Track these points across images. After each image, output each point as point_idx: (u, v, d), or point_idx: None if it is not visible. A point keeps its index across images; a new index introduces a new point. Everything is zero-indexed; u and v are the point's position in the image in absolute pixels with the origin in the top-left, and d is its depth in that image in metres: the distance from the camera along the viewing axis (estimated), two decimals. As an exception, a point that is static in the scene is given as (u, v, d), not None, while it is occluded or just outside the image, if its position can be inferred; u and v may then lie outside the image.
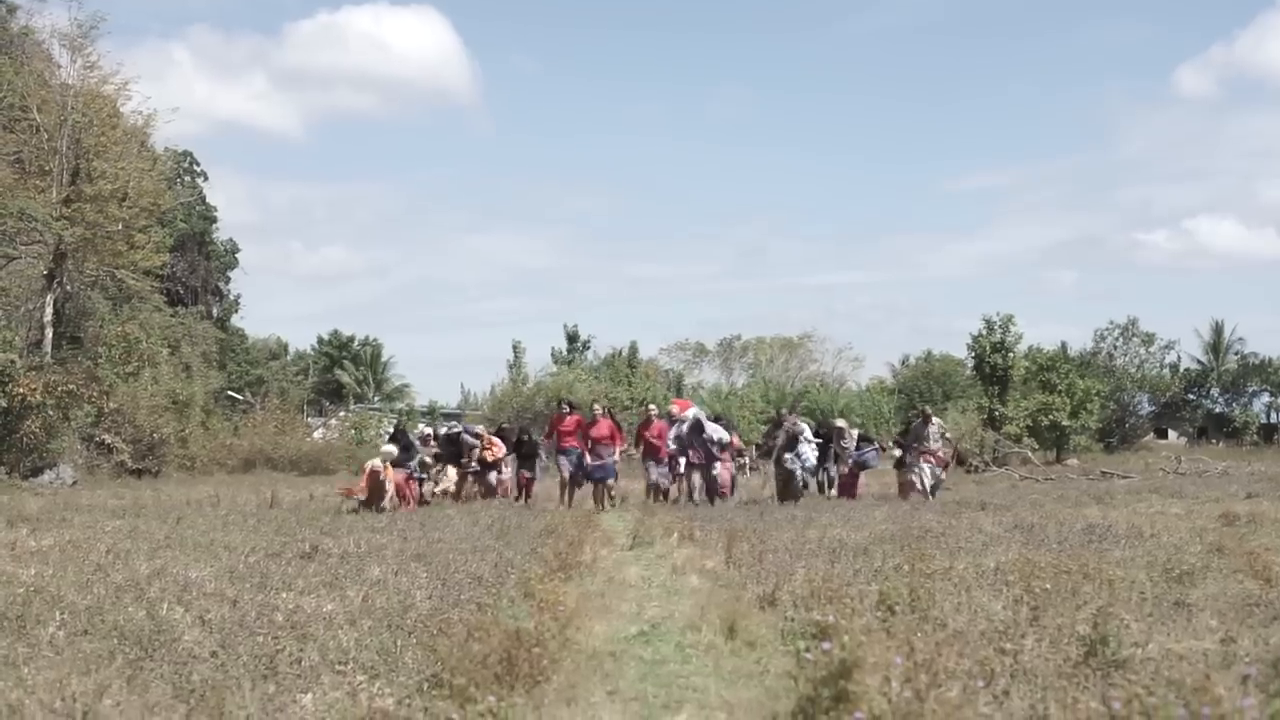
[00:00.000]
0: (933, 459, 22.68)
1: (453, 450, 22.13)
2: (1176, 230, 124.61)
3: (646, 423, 21.78)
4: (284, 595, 8.81)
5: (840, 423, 25.15)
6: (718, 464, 21.15)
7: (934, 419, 23.46)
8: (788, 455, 21.74)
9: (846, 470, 23.47)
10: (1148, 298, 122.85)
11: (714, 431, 21.06)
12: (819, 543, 12.22)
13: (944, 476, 23.60)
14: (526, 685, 5.76)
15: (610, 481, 20.73)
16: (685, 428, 20.97)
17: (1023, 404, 46.77)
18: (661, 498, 21.17)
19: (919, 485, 22.34)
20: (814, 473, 23.07)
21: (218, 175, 57.51)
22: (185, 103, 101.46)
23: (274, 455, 42.08)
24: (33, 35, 36.67)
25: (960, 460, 28.21)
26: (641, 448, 21.93)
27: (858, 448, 23.82)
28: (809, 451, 22.21)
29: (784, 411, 24.48)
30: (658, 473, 21.23)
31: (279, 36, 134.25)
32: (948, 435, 24.58)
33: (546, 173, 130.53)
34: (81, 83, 35.70)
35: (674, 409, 22.46)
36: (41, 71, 35.81)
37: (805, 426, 23.26)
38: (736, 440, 23.74)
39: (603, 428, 20.43)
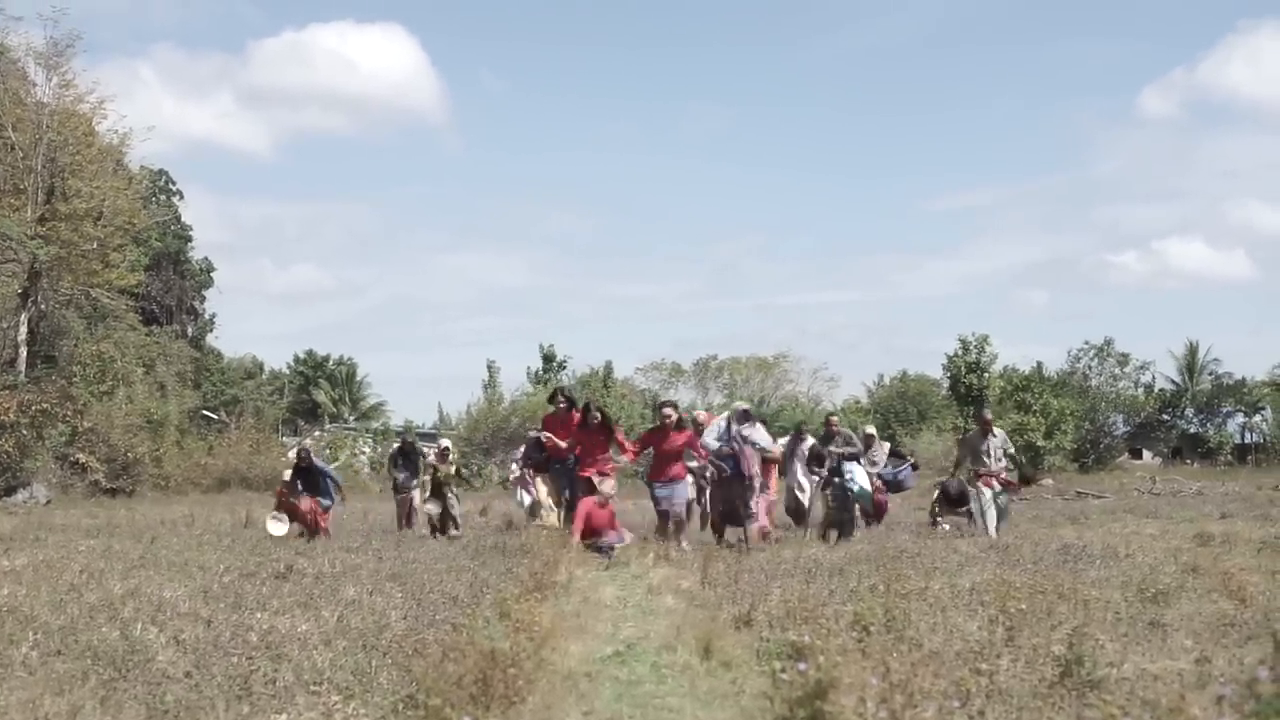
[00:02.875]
0: (994, 482, 17.42)
1: (543, 457, 17.83)
2: (1146, 251, 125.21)
3: (660, 431, 15.89)
4: (258, 615, 8.78)
5: (870, 430, 20.11)
6: (755, 488, 15.75)
7: (995, 429, 18.22)
8: (835, 480, 17.05)
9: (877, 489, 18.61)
10: (1119, 318, 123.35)
11: (758, 436, 16.05)
12: (794, 563, 12.22)
13: (1007, 504, 18.14)
14: (502, 706, 5.75)
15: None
16: (724, 421, 16.04)
17: (998, 424, 46.87)
18: (676, 530, 15.65)
19: (979, 517, 17.37)
20: (865, 498, 17.60)
21: (188, 195, 57.71)
22: (152, 122, 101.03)
23: (249, 475, 41.96)
24: (7, 53, 36.57)
25: (1025, 481, 20.99)
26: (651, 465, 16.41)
27: (888, 464, 19.61)
28: (859, 472, 17.21)
29: (834, 420, 18.77)
30: (673, 497, 15.67)
31: (244, 55, 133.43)
32: (1011, 451, 18.61)
33: (519, 191, 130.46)
34: (57, 101, 35.67)
35: (700, 416, 18.18)
36: (16, 90, 35.73)
37: (858, 441, 18.39)
38: (777, 450, 17.58)
39: (601, 435, 16.08)
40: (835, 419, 18.98)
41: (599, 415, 16.26)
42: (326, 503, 18.65)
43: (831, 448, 17.46)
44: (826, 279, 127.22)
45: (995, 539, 15.89)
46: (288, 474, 19.14)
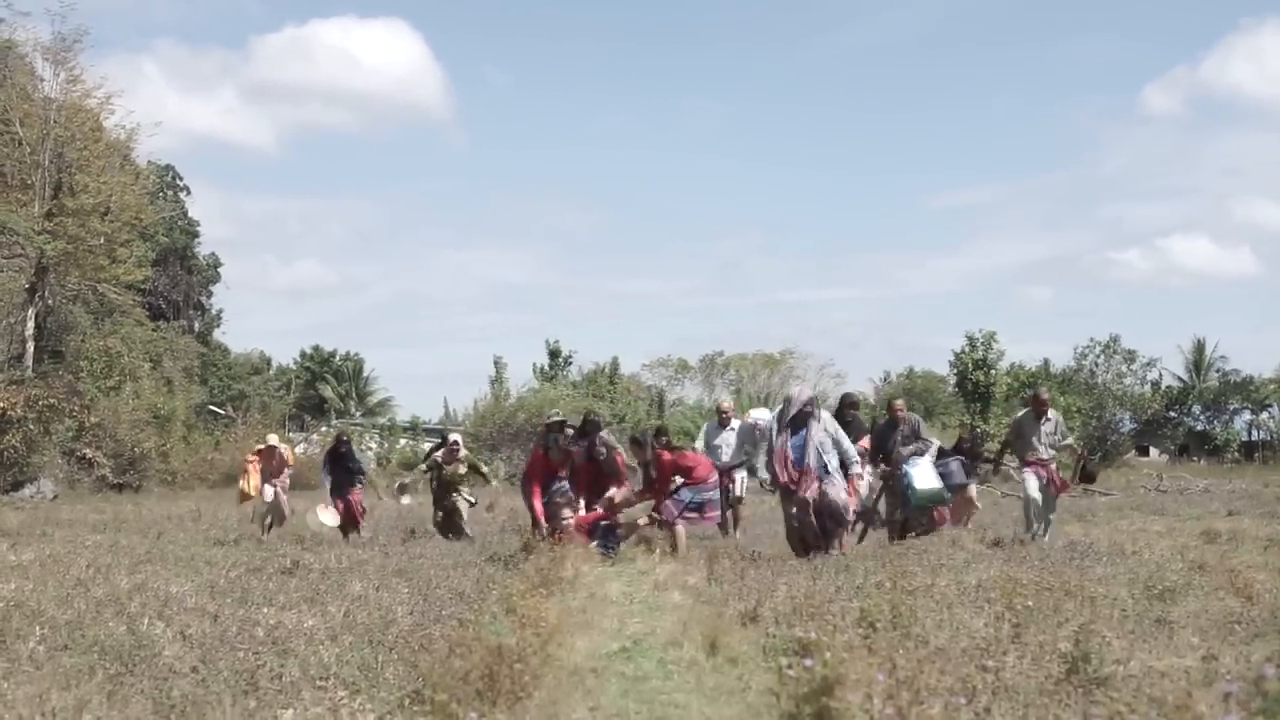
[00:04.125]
0: (1044, 471, 14.67)
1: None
2: (1150, 249, 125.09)
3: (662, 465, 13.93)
4: (265, 610, 8.79)
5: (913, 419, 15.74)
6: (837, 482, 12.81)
7: (1051, 410, 14.99)
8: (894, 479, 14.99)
9: None
10: (1123, 316, 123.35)
11: (831, 431, 12.99)
12: (801, 560, 12.21)
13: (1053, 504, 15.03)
14: (508, 701, 5.74)
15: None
16: (774, 418, 13.25)
17: (1005, 421, 46.77)
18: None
19: (1024, 510, 14.86)
20: (934, 499, 15.08)
21: (191, 190, 57.39)
22: (155, 118, 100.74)
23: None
24: (15, 49, 36.63)
25: (1088, 477, 16.08)
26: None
27: (939, 457, 15.85)
28: (919, 470, 14.81)
29: (899, 405, 15.89)
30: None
31: (246, 50, 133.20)
32: (1069, 440, 15.54)
33: (523, 187, 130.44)
34: (64, 96, 35.74)
35: (724, 405, 16.59)
36: (24, 85, 35.79)
37: (929, 434, 15.79)
38: (864, 441, 15.12)
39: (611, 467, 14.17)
40: (900, 404, 16.02)
41: (604, 451, 14.13)
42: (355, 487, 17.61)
43: (896, 435, 15.04)
44: (829, 276, 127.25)
45: (1040, 539, 14.14)
46: (283, 448, 18.74)
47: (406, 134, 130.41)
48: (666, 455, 13.95)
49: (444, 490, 17.21)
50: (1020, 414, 15.55)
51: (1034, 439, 14.74)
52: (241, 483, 18.79)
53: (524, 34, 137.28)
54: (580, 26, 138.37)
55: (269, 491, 18.42)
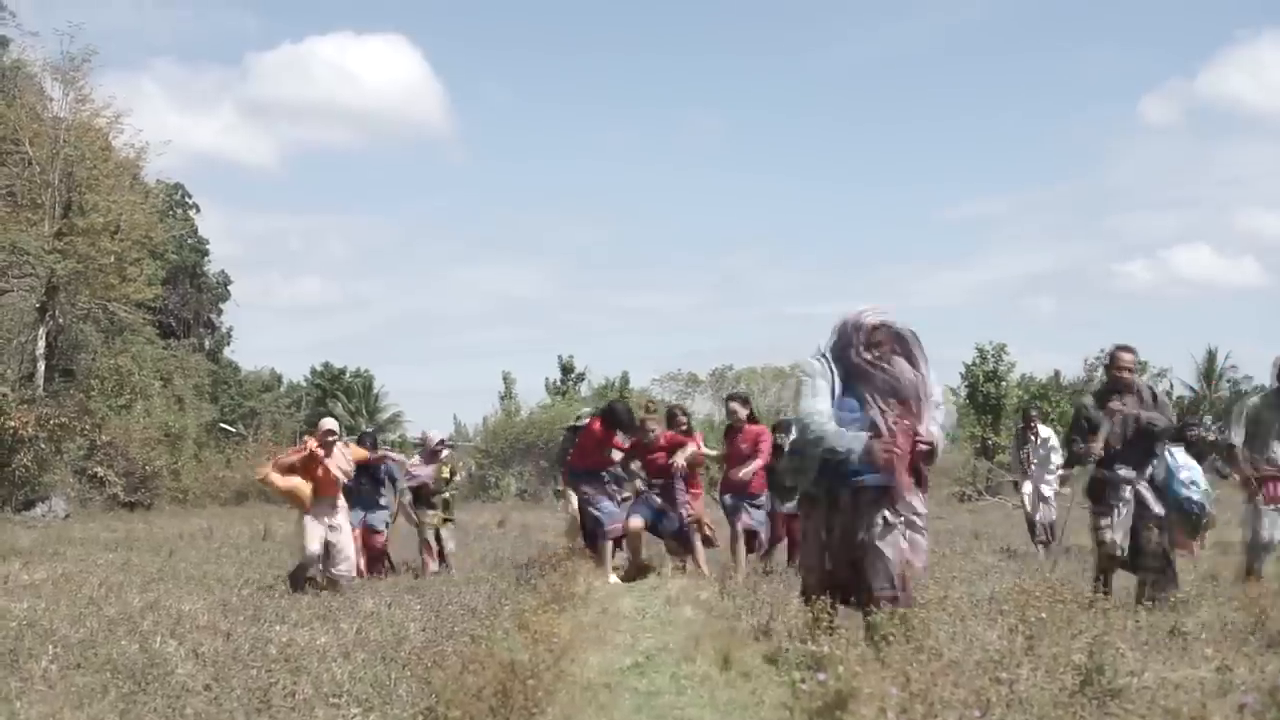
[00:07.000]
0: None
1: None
2: (1154, 259, 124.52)
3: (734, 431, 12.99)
4: (277, 628, 8.79)
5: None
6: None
7: None
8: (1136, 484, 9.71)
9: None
10: (1127, 327, 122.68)
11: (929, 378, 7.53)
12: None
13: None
14: (521, 717, 5.74)
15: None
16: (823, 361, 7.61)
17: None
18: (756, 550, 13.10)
19: (1256, 546, 10.41)
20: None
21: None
22: (156, 136, 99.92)
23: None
24: (24, 68, 36.74)
25: None
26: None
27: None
28: (1193, 465, 10.55)
29: (1126, 358, 10.13)
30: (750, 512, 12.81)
31: (243, 68, 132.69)
32: None
33: (526, 202, 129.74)
34: (73, 116, 35.75)
35: None
36: (33, 105, 35.86)
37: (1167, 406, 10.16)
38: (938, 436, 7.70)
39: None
40: (1129, 358, 10.12)
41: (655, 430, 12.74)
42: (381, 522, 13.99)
43: (1109, 425, 9.65)
44: (837, 289, 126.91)
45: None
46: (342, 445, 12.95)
47: (408, 150, 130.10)
48: (754, 427, 12.94)
49: (418, 505, 14.09)
50: (1255, 399, 10.62)
51: (1273, 439, 10.25)
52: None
53: (523, 48, 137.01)
54: (579, 40, 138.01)
55: (318, 533, 12.06)
